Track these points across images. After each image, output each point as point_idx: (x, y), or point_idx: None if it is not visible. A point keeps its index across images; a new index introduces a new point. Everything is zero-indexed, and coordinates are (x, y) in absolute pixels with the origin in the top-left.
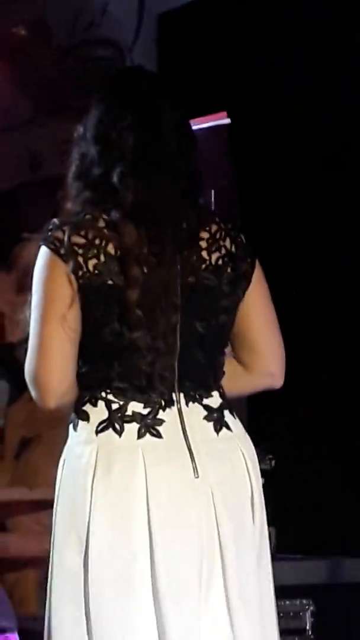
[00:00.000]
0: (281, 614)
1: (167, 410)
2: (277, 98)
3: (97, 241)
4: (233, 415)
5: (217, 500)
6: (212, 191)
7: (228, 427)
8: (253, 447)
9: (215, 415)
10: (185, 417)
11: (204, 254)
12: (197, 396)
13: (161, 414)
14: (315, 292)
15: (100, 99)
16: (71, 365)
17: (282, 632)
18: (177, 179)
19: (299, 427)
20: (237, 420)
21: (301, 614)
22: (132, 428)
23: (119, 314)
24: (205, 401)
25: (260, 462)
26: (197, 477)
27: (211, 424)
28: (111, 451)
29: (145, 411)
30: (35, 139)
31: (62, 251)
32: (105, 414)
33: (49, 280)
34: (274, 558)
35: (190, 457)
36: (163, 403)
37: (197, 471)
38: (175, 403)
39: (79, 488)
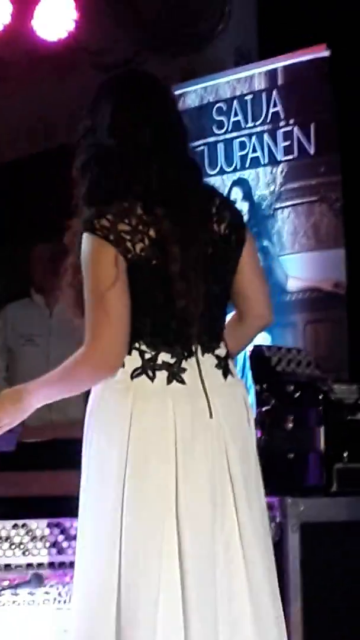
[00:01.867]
0: None
1: (189, 360)
2: None
3: (140, 227)
4: (233, 363)
5: (227, 439)
6: (312, 125)
7: (232, 374)
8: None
9: (222, 363)
10: (202, 365)
11: (215, 226)
12: (210, 347)
13: (184, 364)
14: None
15: (111, 96)
16: (128, 330)
17: None
18: (189, 166)
19: None
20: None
21: None
22: (162, 375)
23: (160, 286)
24: (216, 352)
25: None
26: (212, 417)
27: (220, 371)
28: (145, 394)
29: (172, 361)
30: None
31: (111, 237)
32: (139, 362)
33: (103, 264)
34: None
35: (207, 401)
36: (185, 354)
37: (211, 413)
38: (194, 354)
39: (117, 423)
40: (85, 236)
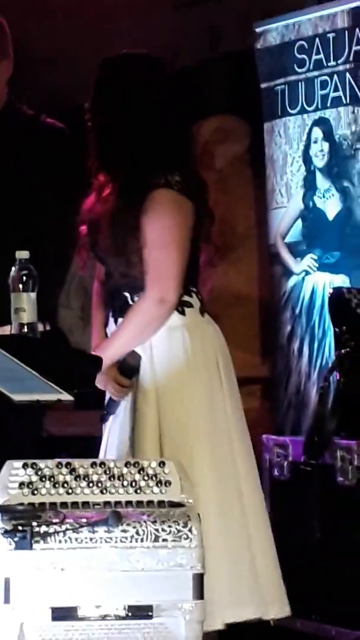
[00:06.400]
0: None
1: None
2: None
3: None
4: None
5: (218, 354)
6: None
7: None
8: None
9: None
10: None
11: None
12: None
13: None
14: None
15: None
16: None
17: None
18: None
19: None
20: None
21: None
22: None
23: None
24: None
25: None
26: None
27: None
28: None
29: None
30: (214, 15)
31: (186, 192)
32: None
33: (184, 217)
34: None
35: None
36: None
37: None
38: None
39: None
40: (160, 192)
